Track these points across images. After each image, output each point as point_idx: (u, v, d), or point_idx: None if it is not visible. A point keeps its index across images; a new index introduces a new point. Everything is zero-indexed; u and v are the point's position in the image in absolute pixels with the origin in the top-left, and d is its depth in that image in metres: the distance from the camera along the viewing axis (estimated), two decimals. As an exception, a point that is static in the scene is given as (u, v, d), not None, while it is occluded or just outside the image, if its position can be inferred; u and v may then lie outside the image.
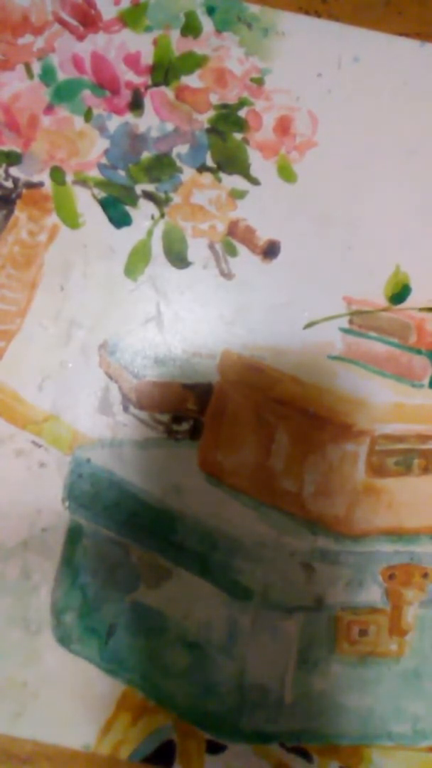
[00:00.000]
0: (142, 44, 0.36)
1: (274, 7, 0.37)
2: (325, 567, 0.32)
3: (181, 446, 0.34)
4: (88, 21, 0.36)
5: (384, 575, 0.32)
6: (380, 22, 0.37)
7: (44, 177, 0.36)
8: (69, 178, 0.36)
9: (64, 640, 0.33)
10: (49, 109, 0.36)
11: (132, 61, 0.36)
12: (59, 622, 0.33)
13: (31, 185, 0.35)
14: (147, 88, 0.36)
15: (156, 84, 0.36)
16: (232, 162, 0.36)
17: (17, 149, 0.36)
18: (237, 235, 0.35)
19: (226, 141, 0.36)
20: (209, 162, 0.36)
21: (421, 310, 0.34)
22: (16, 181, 0.35)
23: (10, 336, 0.34)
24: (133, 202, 0.35)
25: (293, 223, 0.35)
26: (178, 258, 0.35)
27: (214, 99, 0.36)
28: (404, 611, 0.32)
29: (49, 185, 0.35)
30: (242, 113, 0.36)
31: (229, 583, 0.32)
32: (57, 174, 0.36)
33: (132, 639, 0.33)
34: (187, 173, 0.36)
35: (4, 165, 0.36)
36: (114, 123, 0.36)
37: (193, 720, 0.32)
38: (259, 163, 0.36)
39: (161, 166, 0.36)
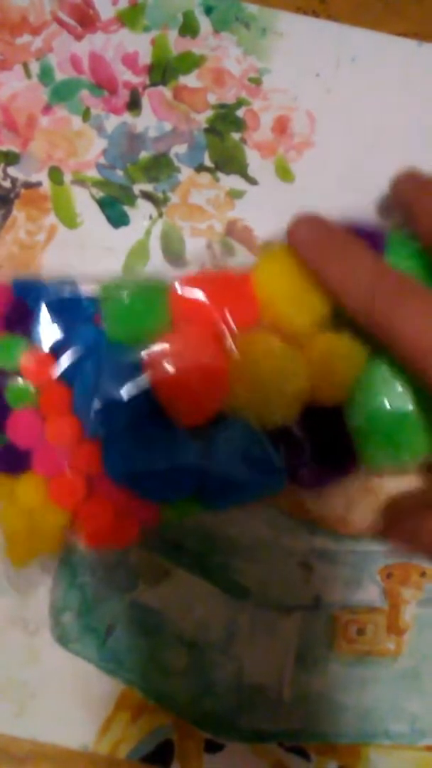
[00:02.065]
0: (140, 44, 0.36)
1: (272, 7, 0.37)
2: (323, 566, 0.32)
3: (179, 446, 0.34)
4: (86, 21, 0.36)
5: (382, 574, 0.32)
6: (378, 22, 0.37)
7: (42, 177, 0.36)
8: (67, 177, 0.36)
9: (62, 639, 0.33)
10: (47, 108, 0.36)
11: (130, 61, 0.36)
12: (58, 621, 0.33)
13: (29, 185, 0.36)
14: (145, 88, 0.36)
15: (154, 84, 0.36)
16: (229, 162, 0.36)
17: (15, 149, 0.36)
18: (235, 234, 0.35)
19: (223, 141, 0.36)
20: (207, 162, 0.36)
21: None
22: (14, 181, 0.35)
23: (9, 336, 0.34)
24: (131, 201, 0.35)
25: (291, 222, 0.35)
26: (176, 257, 0.35)
27: (212, 99, 0.36)
28: (402, 610, 0.32)
29: (47, 185, 0.35)
30: (240, 113, 0.36)
31: (227, 583, 0.32)
32: (55, 174, 0.36)
33: (131, 638, 0.33)
34: (185, 173, 0.36)
35: (2, 165, 0.36)
36: (112, 123, 0.36)
37: (191, 719, 0.32)
38: (256, 163, 0.36)
39: (159, 166, 0.36)
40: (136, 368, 0.26)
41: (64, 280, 0.28)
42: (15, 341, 0.27)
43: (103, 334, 0.27)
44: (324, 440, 0.26)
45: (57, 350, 0.27)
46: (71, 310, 0.27)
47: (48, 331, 0.27)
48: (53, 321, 0.27)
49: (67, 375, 0.27)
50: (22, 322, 0.27)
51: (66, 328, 0.27)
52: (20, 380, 0.27)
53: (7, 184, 0.35)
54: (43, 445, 0.27)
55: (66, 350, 0.27)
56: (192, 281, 0.27)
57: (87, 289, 0.28)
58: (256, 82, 0.36)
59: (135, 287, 0.27)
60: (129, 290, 0.27)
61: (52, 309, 0.27)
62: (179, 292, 0.26)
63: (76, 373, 0.27)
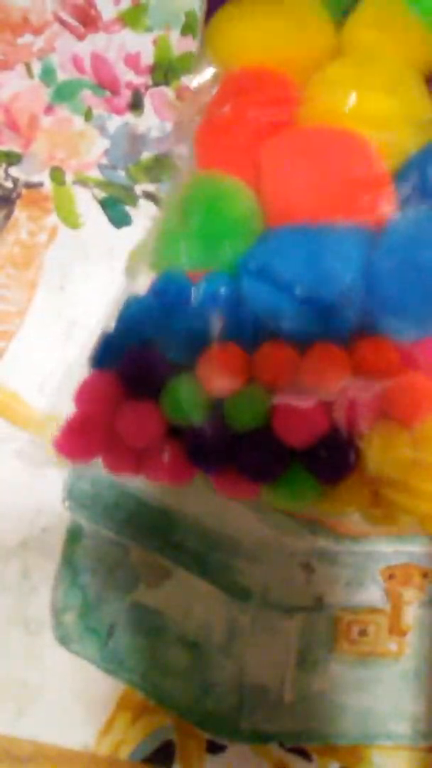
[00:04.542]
0: (143, 44, 0.36)
1: (274, 7, 0.37)
2: (325, 567, 0.32)
3: (181, 446, 0.34)
4: (88, 21, 0.36)
5: (384, 575, 0.32)
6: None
7: (44, 177, 0.36)
8: (69, 178, 0.36)
9: (64, 639, 0.33)
10: (49, 109, 0.36)
11: (132, 61, 0.36)
12: (59, 622, 0.33)
13: (31, 185, 0.36)
14: (147, 88, 0.36)
15: (156, 84, 0.36)
16: (232, 162, 0.36)
17: (17, 149, 0.36)
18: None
19: (226, 141, 0.36)
20: (209, 162, 0.36)
21: None
22: (15, 181, 0.35)
23: (10, 336, 0.34)
24: (133, 202, 0.35)
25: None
26: (178, 258, 0.35)
27: (214, 99, 0.36)
28: (404, 611, 0.32)
29: (49, 185, 0.35)
30: (242, 113, 0.36)
31: (228, 583, 0.32)
32: (57, 174, 0.36)
33: (132, 639, 0.33)
34: (187, 173, 0.36)
35: (4, 165, 0.36)
36: (114, 123, 0.36)
37: (192, 720, 0.32)
38: (259, 164, 0.36)
39: (161, 167, 0.36)
40: None
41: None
42: (181, 382, 0.22)
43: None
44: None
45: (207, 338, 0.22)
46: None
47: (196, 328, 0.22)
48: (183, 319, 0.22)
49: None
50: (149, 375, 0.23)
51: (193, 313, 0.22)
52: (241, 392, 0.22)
53: (8, 184, 0.35)
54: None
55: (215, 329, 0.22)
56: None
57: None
58: (258, 82, 0.36)
59: None
60: None
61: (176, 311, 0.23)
62: None
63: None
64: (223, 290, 0.22)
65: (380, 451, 0.22)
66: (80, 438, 0.24)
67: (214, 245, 0.23)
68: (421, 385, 0.21)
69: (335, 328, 0.21)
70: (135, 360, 0.23)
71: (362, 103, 0.22)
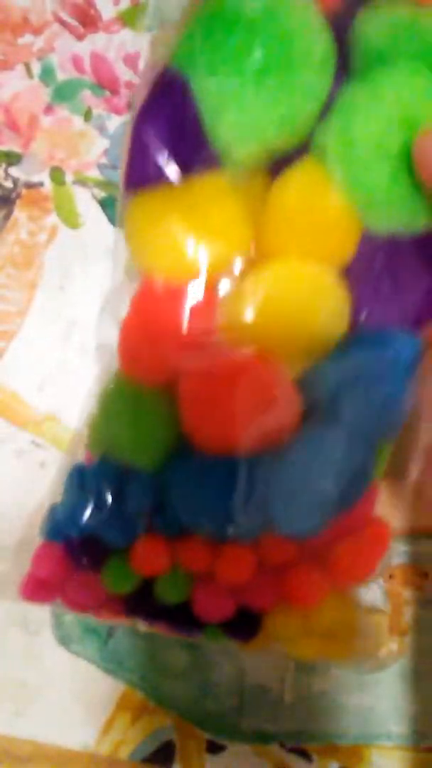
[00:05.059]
0: (142, 44, 0.36)
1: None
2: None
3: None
4: (87, 21, 0.36)
5: (384, 575, 0.32)
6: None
7: (44, 177, 0.36)
8: (69, 178, 0.36)
9: (64, 640, 0.33)
10: (48, 109, 0.36)
11: (131, 61, 0.36)
12: (59, 622, 0.33)
13: (30, 185, 0.35)
14: (147, 88, 0.36)
15: (156, 84, 0.36)
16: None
17: (17, 149, 0.36)
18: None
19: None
20: (209, 162, 0.36)
21: None
22: (15, 181, 0.35)
23: (10, 336, 0.34)
24: (133, 202, 0.35)
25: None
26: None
27: (214, 99, 0.36)
28: (403, 611, 0.32)
29: (48, 185, 0.35)
30: (242, 113, 0.36)
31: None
32: (57, 174, 0.36)
33: (132, 639, 0.33)
34: (187, 173, 0.35)
35: (4, 165, 0.36)
36: (114, 123, 0.36)
37: (192, 720, 0.32)
38: (258, 163, 0.36)
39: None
40: None
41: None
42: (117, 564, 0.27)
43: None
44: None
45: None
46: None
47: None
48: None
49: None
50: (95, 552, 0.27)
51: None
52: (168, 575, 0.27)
53: (8, 184, 0.35)
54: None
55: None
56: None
57: None
58: (258, 82, 0.36)
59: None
60: None
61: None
62: None
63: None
64: (147, 491, 0.26)
65: (281, 628, 0.27)
66: (39, 591, 0.28)
67: (136, 448, 0.26)
68: (312, 576, 0.27)
69: (242, 532, 0.26)
70: (78, 542, 0.27)
71: (276, 322, 0.23)
